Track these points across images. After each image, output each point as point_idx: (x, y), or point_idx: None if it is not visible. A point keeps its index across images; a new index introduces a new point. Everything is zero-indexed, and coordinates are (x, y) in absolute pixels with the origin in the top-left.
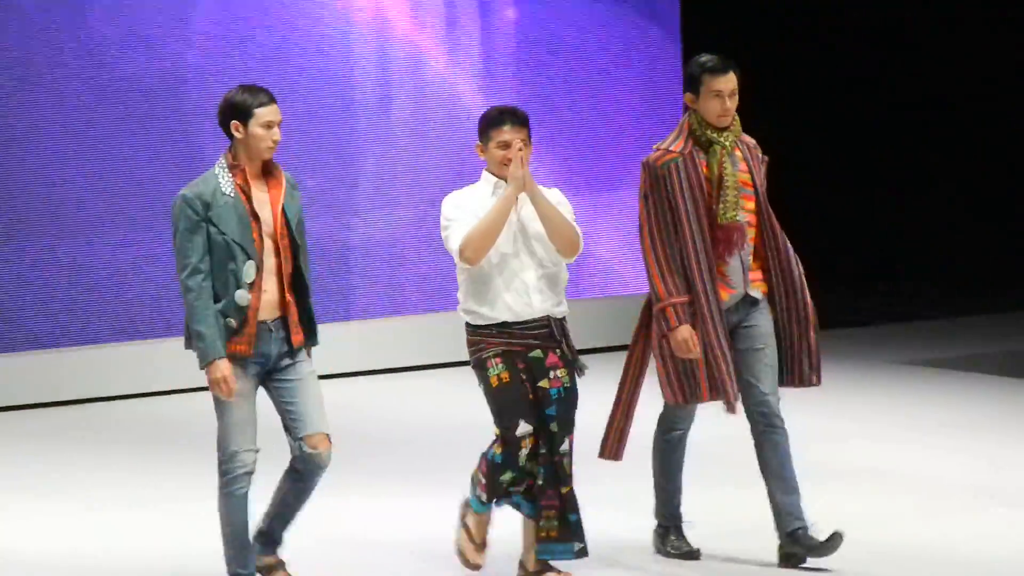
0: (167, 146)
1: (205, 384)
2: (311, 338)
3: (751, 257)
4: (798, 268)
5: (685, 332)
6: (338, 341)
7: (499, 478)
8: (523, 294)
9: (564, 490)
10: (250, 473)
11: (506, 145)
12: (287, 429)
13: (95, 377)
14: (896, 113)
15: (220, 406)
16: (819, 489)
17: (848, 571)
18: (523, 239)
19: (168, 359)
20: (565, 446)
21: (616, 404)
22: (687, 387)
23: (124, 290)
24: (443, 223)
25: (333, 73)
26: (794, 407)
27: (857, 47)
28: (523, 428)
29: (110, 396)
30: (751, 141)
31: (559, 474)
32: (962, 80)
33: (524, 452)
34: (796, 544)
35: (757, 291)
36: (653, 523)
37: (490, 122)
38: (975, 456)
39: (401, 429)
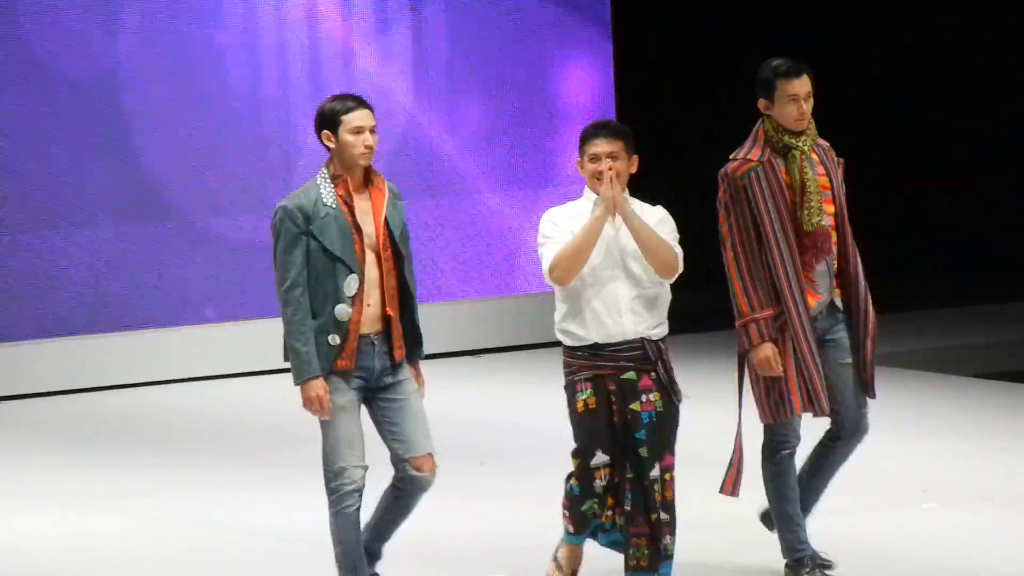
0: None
1: (135, 380)
2: (416, 350)
3: (835, 261)
4: (864, 278)
5: (768, 350)
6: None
7: (580, 508)
8: (615, 315)
9: (654, 517)
10: (359, 490)
11: (597, 158)
12: (390, 449)
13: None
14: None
15: (325, 423)
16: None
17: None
18: (619, 257)
19: (97, 355)
20: (656, 471)
21: (736, 437)
22: (778, 403)
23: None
24: (539, 240)
25: (266, 71)
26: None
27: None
28: (598, 458)
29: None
30: (826, 144)
31: (649, 500)
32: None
33: (599, 482)
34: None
35: (839, 298)
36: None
37: (584, 135)
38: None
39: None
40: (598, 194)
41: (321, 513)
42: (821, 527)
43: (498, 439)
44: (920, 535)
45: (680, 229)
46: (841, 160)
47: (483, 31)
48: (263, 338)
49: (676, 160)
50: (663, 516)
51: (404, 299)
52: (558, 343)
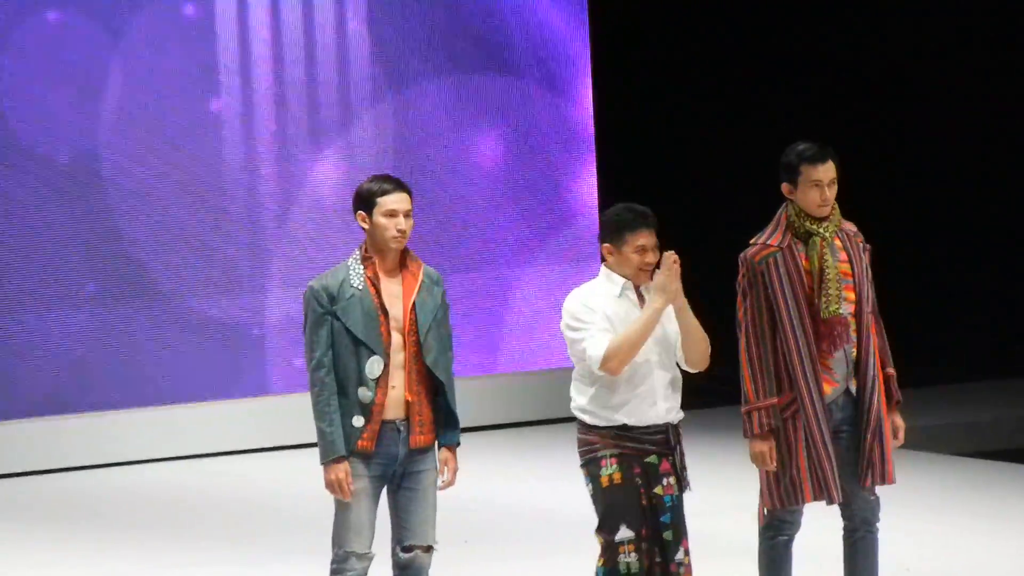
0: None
1: (114, 460)
2: (449, 435)
3: (854, 350)
4: (874, 369)
5: (763, 445)
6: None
7: None
8: (650, 399)
9: None
10: None
11: (644, 250)
12: (392, 530)
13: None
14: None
15: (339, 504)
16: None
17: None
18: (651, 344)
19: (76, 434)
20: (680, 555)
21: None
22: (788, 491)
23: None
24: (573, 324)
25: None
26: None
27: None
28: (623, 533)
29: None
30: (852, 228)
31: (687, 570)
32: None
33: (624, 558)
34: None
35: (854, 386)
36: None
37: (624, 225)
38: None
39: (312, 507)
40: (638, 283)
41: None
42: None
43: (481, 519)
44: None
45: None
46: (868, 246)
47: None
48: (242, 418)
49: None
50: None
51: (433, 385)
52: (541, 422)
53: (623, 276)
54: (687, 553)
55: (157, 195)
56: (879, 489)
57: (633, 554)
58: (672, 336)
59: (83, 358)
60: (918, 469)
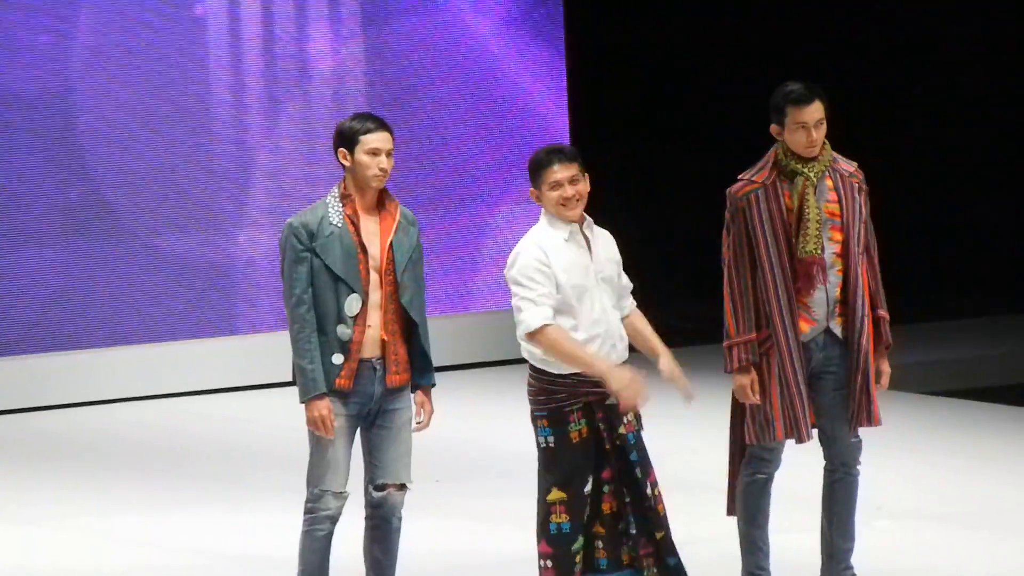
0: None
1: (88, 399)
2: (424, 377)
3: (838, 290)
4: (863, 309)
5: (744, 379)
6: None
7: (571, 549)
8: (610, 341)
9: (659, 535)
10: (333, 519)
11: (558, 185)
12: (366, 470)
13: None
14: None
15: (314, 442)
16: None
17: None
18: (607, 288)
19: (48, 374)
20: (649, 489)
21: (730, 458)
22: (763, 427)
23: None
24: (522, 280)
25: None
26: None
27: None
28: (590, 485)
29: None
30: (848, 168)
31: (649, 520)
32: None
33: (587, 510)
34: None
35: (839, 327)
36: None
37: (538, 165)
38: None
39: (280, 445)
40: (561, 217)
41: (281, 534)
42: (774, 543)
43: (453, 457)
44: (872, 551)
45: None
46: (865, 187)
47: None
48: (214, 356)
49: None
50: (663, 533)
51: (408, 325)
52: (506, 361)
53: (564, 220)
54: (655, 485)
55: (128, 131)
56: (862, 431)
57: (600, 503)
58: (615, 279)
59: (56, 297)
60: (895, 408)
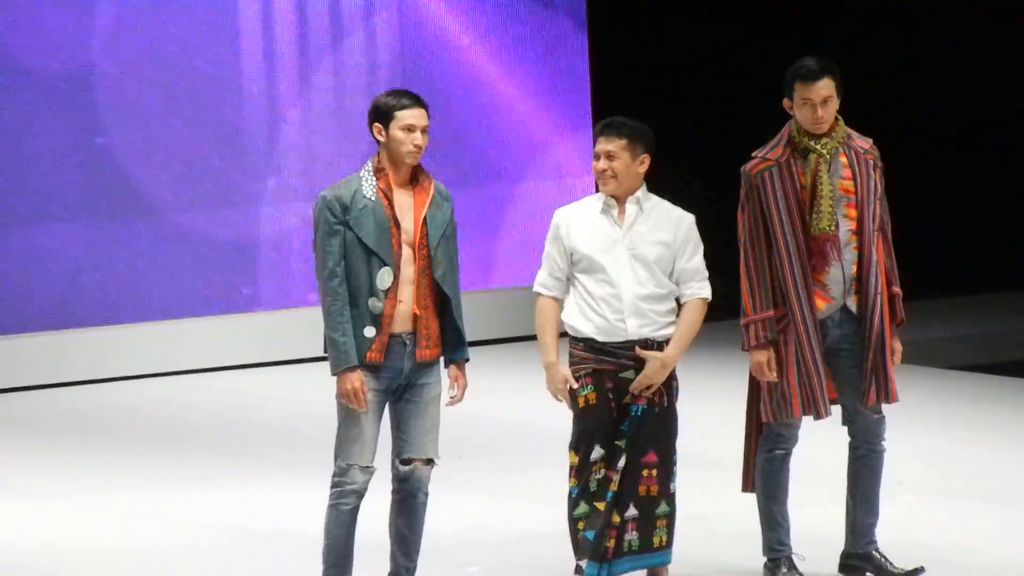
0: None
1: (111, 375)
2: (458, 352)
3: (854, 267)
4: (877, 287)
5: (761, 356)
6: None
7: (573, 513)
8: (619, 315)
9: (634, 508)
10: (359, 493)
11: (596, 157)
12: (393, 444)
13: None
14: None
15: (343, 416)
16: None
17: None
18: (628, 259)
19: (73, 350)
20: (622, 462)
21: (747, 435)
22: (780, 404)
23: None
24: (547, 239)
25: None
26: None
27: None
28: (596, 452)
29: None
30: (864, 145)
31: (627, 489)
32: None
33: (596, 476)
34: (868, 562)
35: (855, 304)
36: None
37: (594, 134)
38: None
39: (302, 421)
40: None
41: (305, 511)
42: (795, 519)
43: (477, 433)
44: (894, 527)
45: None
46: (880, 164)
47: None
48: (239, 333)
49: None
50: (633, 512)
51: (440, 300)
52: (534, 337)
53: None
54: (650, 467)
55: (150, 109)
56: (885, 408)
57: (604, 470)
58: (653, 258)
59: (79, 274)
60: (916, 384)
